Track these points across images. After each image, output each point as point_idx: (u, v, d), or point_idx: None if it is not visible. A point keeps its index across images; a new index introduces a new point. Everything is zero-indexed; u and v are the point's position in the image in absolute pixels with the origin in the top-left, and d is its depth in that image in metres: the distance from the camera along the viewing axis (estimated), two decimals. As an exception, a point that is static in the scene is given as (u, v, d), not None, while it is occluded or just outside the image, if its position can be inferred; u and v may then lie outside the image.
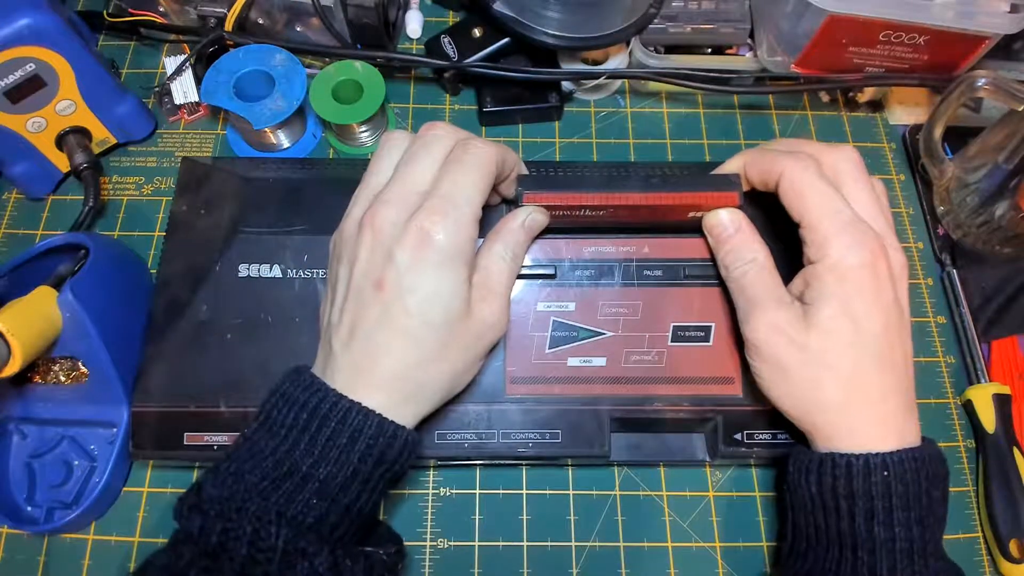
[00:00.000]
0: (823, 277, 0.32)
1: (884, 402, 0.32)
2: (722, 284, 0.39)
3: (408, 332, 0.31)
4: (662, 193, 0.35)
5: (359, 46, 0.52)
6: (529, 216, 0.36)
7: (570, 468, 0.42)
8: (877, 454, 0.31)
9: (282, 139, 0.50)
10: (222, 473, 0.29)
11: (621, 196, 0.35)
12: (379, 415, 0.30)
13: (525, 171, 0.37)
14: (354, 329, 0.31)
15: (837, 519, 0.31)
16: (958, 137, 0.49)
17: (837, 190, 0.33)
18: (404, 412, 0.31)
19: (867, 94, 0.53)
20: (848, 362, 0.32)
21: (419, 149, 0.33)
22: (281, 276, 0.40)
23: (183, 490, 0.30)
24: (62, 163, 0.48)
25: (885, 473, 0.30)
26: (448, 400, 0.34)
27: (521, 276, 0.39)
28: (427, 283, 0.31)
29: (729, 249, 0.36)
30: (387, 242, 0.31)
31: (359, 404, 0.30)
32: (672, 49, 0.52)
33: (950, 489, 0.42)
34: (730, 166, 0.37)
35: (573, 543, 0.41)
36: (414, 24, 0.55)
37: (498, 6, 0.48)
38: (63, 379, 0.41)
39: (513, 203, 0.37)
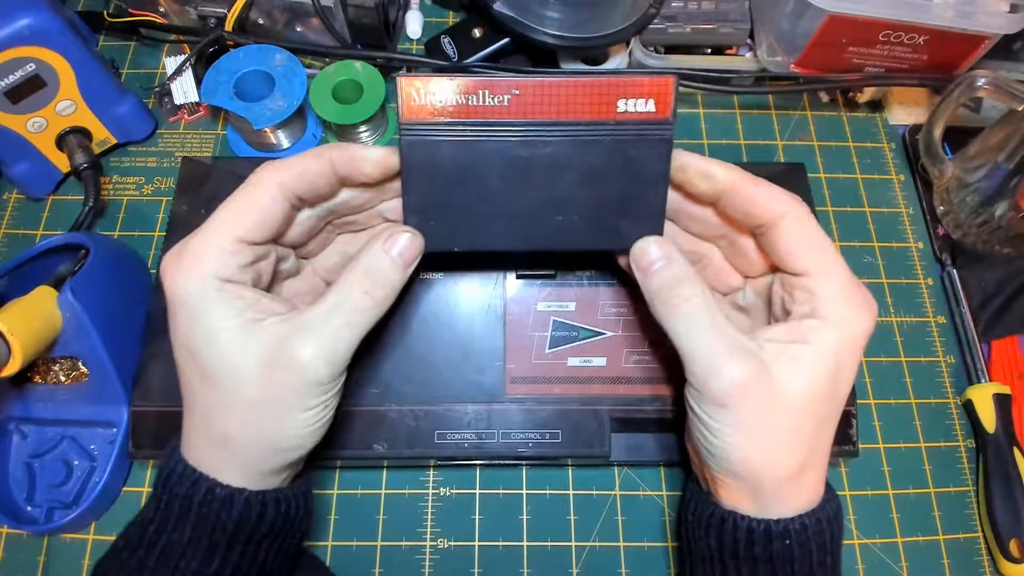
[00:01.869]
0: (820, 337, 0.28)
1: (824, 462, 0.30)
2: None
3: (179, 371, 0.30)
4: (578, 78, 0.29)
5: (359, 46, 0.52)
6: (390, 240, 0.30)
7: (570, 468, 0.42)
8: (779, 521, 0.29)
9: (282, 139, 0.50)
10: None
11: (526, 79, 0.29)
12: (196, 471, 0.29)
13: (372, 156, 0.31)
14: None
15: None
16: (958, 137, 0.49)
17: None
18: (221, 464, 0.29)
19: (867, 94, 0.53)
20: (820, 427, 0.29)
21: None
22: (281, 276, 0.39)
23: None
24: (62, 163, 0.48)
25: (787, 541, 0.28)
26: (315, 448, 0.31)
27: (521, 276, 0.39)
28: (175, 318, 0.29)
29: (662, 284, 0.30)
30: None
31: (183, 461, 0.29)
32: (672, 49, 0.52)
33: (949, 489, 0.43)
34: (712, 167, 0.31)
35: (573, 543, 0.41)
36: (414, 24, 0.55)
37: (498, 6, 0.48)
38: (63, 379, 0.41)
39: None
